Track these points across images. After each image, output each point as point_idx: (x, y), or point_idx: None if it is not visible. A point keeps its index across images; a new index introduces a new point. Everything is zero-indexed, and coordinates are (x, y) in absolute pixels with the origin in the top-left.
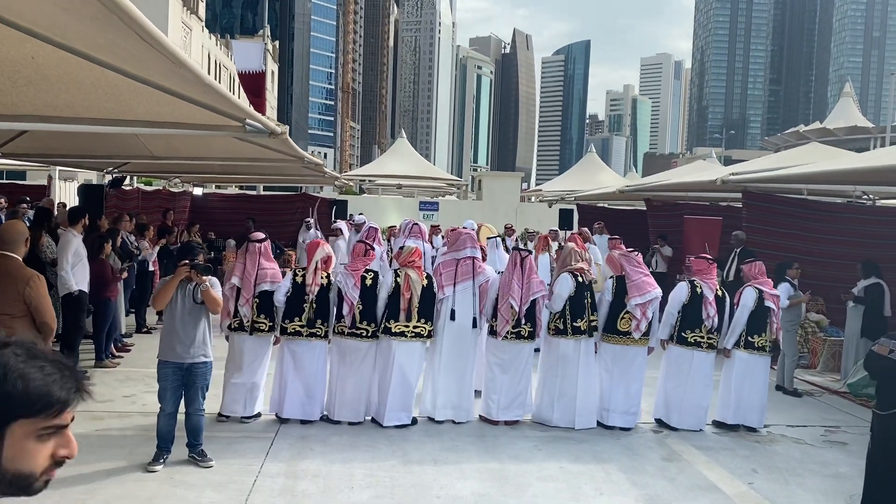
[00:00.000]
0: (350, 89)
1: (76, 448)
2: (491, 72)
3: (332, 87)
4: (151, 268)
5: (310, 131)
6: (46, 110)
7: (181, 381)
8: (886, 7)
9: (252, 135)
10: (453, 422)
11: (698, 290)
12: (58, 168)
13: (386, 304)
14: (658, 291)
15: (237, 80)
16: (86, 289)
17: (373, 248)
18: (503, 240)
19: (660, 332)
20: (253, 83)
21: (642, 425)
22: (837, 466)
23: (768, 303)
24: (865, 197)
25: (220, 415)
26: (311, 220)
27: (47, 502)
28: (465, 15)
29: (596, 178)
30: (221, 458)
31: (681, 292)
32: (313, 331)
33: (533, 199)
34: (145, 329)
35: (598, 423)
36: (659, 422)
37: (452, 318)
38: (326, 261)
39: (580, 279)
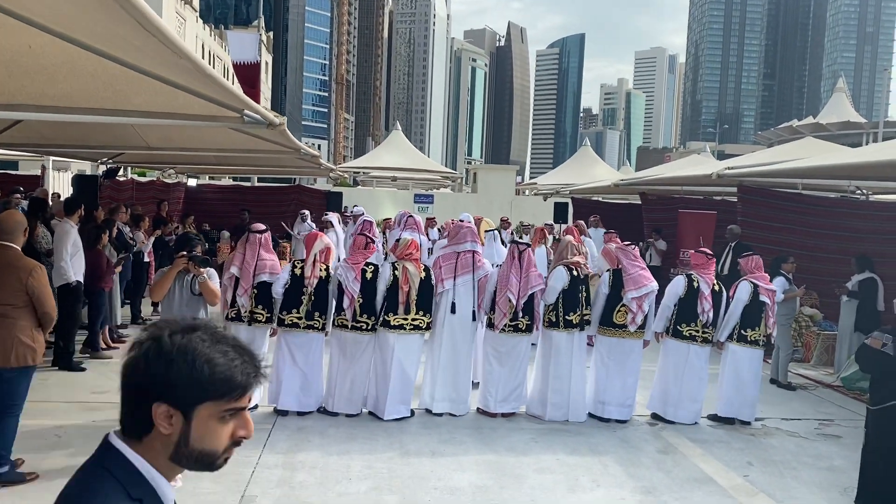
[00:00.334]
0: (344, 81)
1: (253, 429)
2: (485, 64)
3: (326, 78)
4: (147, 259)
5: (303, 123)
6: (43, 100)
7: None
8: (880, 3)
9: (250, 126)
10: (451, 414)
11: (695, 284)
12: (51, 158)
13: (384, 297)
14: (654, 285)
15: (231, 70)
16: (82, 279)
17: (373, 242)
18: (500, 233)
19: (655, 325)
20: (248, 74)
21: (638, 418)
22: (832, 459)
23: (763, 297)
24: (859, 192)
25: None
26: (307, 212)
27: (46, 493)
28: (460, 7)
29: (591, 171)
30: None
31: (677, 286)
32: (311, 323)
33: (528, 192)
34: (140, 320)
35: (595, 416)
36: (654, 415)
37: (453, 311)
38: (325, 253)
39: (575, 273)
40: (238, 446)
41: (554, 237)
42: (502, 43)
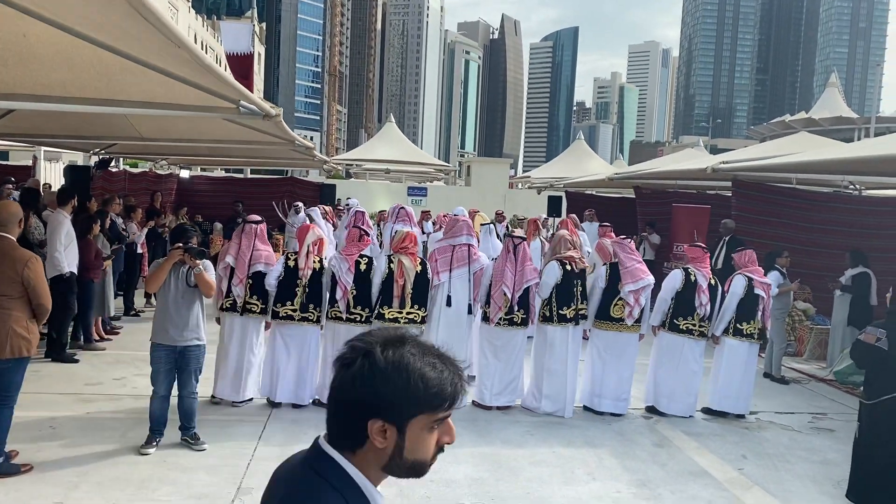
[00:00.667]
0: (337, 72)
1: (455, 434)
2: (479, 57)
3: (319, 70)
4: (140, 250)
5: (296, 114)
6: (37, 89)
7: (174, 364)
8: None
9: (245, 117)
10: None
11: (692, 277)
12: (43, 149)
13: (380, 289)
14: (651, 279)
15: (224, 61)
16: (76, 270)
17: (367, 234)
18: (495, 227)
19: (652, 318)
20: (241, 65)
21: (633, 411)
22: (825, 453)
23: (758, 291)
24: (852, 187)
25: (212, 397)
26: (300, 205)
27: (40, 484)
28: None
29: (584, 165)
30: (214, 441)
31: (675, 279)
32: (305, 315)
33: (521, 185)
34: (133, 312)
35: (590, 409)
36: (649, 408)
37: (449, 304)
38: (318, 244)
39: (569, 268)
40: (442, 452)
41: (547, 230)
42: (496, 36)
